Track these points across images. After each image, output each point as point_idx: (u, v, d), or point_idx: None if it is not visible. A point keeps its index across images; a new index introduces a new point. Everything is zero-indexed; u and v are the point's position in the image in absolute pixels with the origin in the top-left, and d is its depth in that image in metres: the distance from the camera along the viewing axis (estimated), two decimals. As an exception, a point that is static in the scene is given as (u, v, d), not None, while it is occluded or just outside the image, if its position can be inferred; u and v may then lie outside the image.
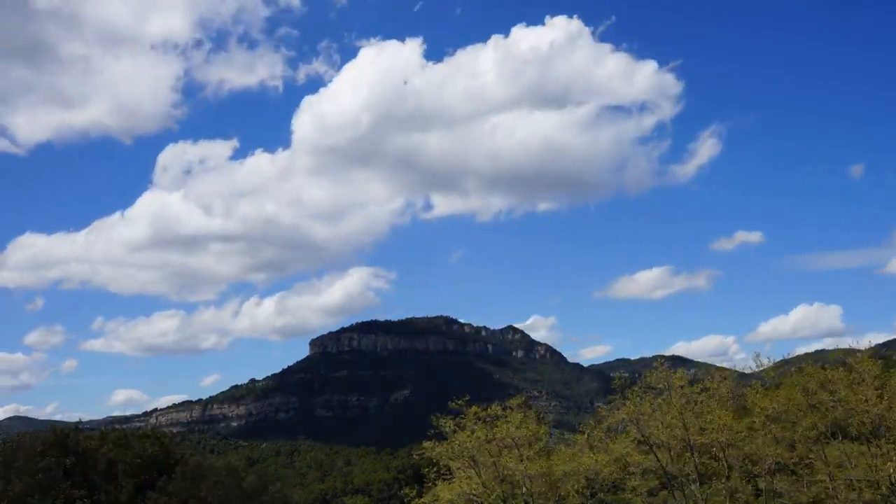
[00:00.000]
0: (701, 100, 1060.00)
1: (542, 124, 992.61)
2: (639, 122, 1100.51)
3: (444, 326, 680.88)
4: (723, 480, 39.76)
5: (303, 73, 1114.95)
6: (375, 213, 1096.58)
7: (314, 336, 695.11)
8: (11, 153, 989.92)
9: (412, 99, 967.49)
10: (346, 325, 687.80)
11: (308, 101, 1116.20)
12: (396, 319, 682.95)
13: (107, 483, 38.05)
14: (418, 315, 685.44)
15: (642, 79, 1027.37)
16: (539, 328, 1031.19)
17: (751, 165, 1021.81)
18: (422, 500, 43.56)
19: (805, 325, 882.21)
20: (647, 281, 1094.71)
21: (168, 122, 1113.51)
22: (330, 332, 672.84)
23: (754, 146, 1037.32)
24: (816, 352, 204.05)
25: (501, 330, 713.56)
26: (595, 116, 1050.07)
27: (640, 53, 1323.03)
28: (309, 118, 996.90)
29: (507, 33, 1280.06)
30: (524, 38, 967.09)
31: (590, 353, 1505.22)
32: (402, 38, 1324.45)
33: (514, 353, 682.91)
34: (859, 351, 48.80)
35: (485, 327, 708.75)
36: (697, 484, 40.65)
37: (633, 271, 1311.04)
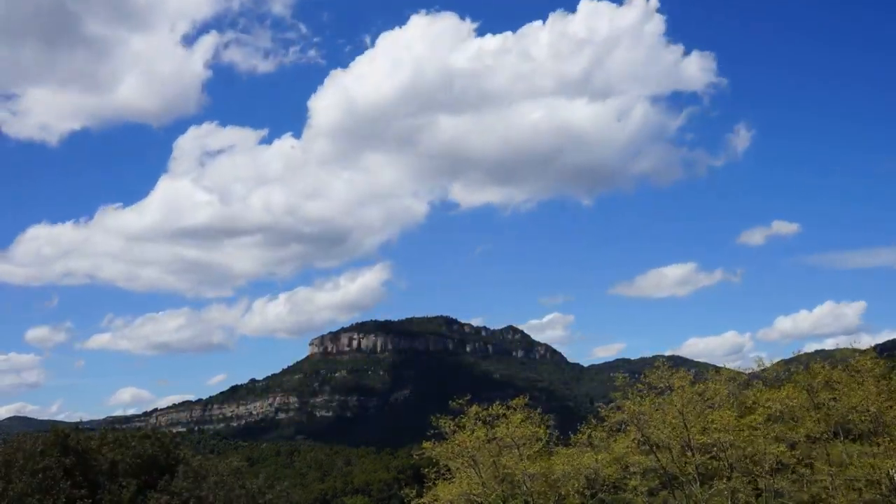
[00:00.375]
0: (740, 91, 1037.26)
1: (578, 113, 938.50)
2: (676, 113, 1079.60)
3: (444, 326, 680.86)
4: (724, 480, 39.78)
5: (346, 47, 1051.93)
6: (399, 205, 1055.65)
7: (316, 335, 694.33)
8: (39, 141, 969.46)
9: (448, 79, 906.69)
10: (347, 324, 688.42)
11: (336, 76, 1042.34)
12: (396, 319, 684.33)
13: (109, 483, 38.01)
14: (420, 315, 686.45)
15: (684, 68, 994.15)
16: (557, 326, 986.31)
17: (788, 158, 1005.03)
18: (422, 500, 43.58)
19: (824, 322, 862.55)
20: (672, 277, 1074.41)
21: (193, 106, 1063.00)
22: (330, 332, 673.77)
23: (792, 139, 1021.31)
24: (816, 351, 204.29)
25: (501, 330, 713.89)
26: (633, 106, 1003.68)
27: (689, 43, 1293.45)
28: (335, 97, 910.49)
29: (573, 9, 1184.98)
30: (587, 16, 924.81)
31: (604, 352, 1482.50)
32: (460, 11, 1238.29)
33: (514, 353, 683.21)
34: (860, 351, 48.90)
35: (485, 327, 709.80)
36: (698, 484, 40.67)
37: (658, 266, 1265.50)
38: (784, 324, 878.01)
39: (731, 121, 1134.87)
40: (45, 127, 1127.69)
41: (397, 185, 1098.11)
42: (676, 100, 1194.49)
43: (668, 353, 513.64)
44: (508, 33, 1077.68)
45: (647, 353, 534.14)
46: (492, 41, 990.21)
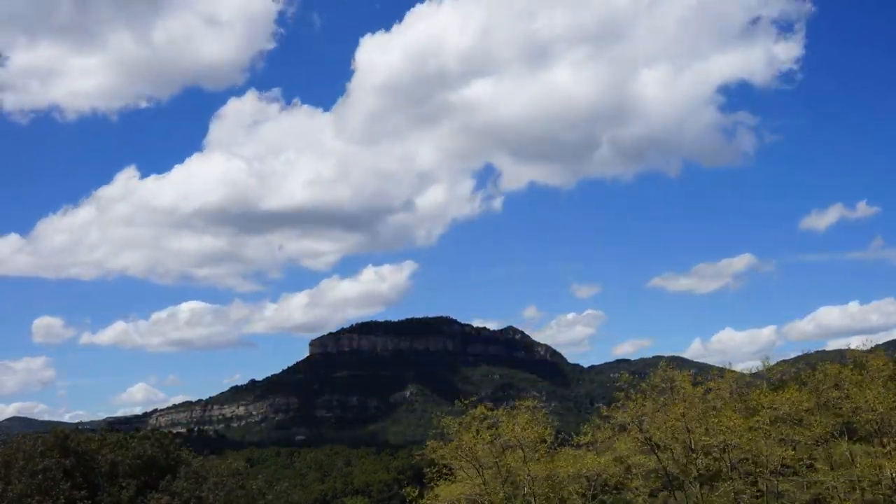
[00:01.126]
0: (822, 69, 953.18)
1: (643, 83, 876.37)
2: (751, 92, 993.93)
3: (445, 326, 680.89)
4: (727, 482, 39.57)
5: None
6: (447, 189, 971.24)
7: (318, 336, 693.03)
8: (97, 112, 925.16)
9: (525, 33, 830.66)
10: (348, 325, 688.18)
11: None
12: (396, 320, 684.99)
13: (109, 484, 37.87)
14: (420, 315, 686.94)
15: (763, 46, 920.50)
16: (592, 324, 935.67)
17: (862, 142, 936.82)
18: (423, 500, 43.36)
19: (869, 318, 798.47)
20: (729, 268, 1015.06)
21: (239, 76, 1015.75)
22: (330, 333, 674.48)
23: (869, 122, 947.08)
24: (818, 352, 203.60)
25: (502, 330, 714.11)
26: (702, 80, 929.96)
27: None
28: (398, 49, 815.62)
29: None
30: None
31: (621, 350, 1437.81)
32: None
33: (514, 353, 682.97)
34: (860, 350, 48.80)
35: (485, 328, 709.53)
36: (698, 485, 40.48)
37: (717, 257, 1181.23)
38: (829, 315, 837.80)
39: (803, 105, 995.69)
40: (102, 94, 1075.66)
41: (442, 162, 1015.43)
42: (752, 80, 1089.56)
43: (674, 353, 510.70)
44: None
45: (648, 355, 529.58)
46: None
